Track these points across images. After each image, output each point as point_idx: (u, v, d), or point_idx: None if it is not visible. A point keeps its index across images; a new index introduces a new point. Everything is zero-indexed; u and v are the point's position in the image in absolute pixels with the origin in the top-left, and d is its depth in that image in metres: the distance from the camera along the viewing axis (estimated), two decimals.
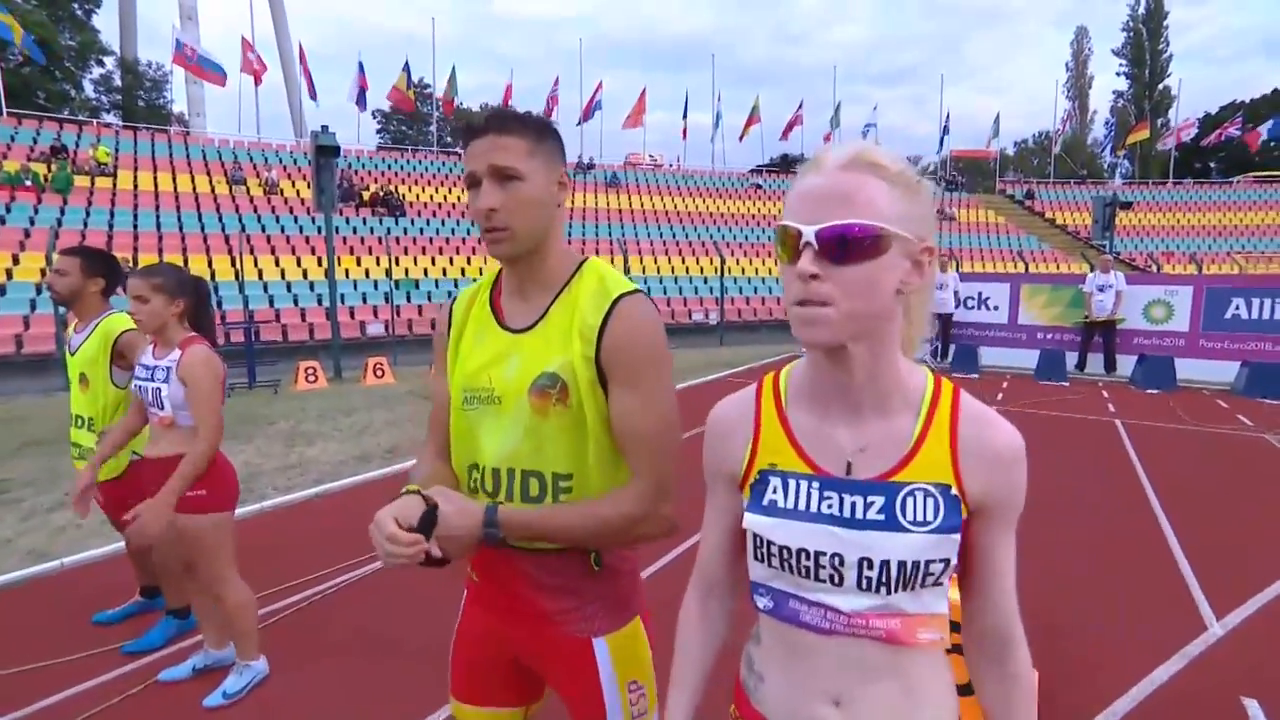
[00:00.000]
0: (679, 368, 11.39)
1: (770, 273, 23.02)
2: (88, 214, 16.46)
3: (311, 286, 15.82)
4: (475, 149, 1.10)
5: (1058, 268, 26.34)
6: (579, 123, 32.23)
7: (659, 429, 1.12)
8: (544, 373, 1.12)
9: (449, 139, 39.83)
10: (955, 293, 12.17)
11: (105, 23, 36.78)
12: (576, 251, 1.27)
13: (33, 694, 2.57)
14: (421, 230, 20.38)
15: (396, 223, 20.31)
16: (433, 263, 18.51)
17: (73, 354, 2.84)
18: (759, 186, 32.29)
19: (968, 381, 10.74)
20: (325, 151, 10.27)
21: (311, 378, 10.25)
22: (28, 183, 16.87)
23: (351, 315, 14.70)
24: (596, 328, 1.11)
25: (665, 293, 20.15)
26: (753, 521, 0.83)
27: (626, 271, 18.16)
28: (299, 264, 16.75)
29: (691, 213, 27.82)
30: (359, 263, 17.34)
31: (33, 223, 15.48)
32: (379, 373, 10.83)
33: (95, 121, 26.12)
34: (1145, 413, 8.04)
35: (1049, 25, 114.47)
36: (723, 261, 18.14)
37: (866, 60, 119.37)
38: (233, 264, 15.94)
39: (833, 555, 0.79)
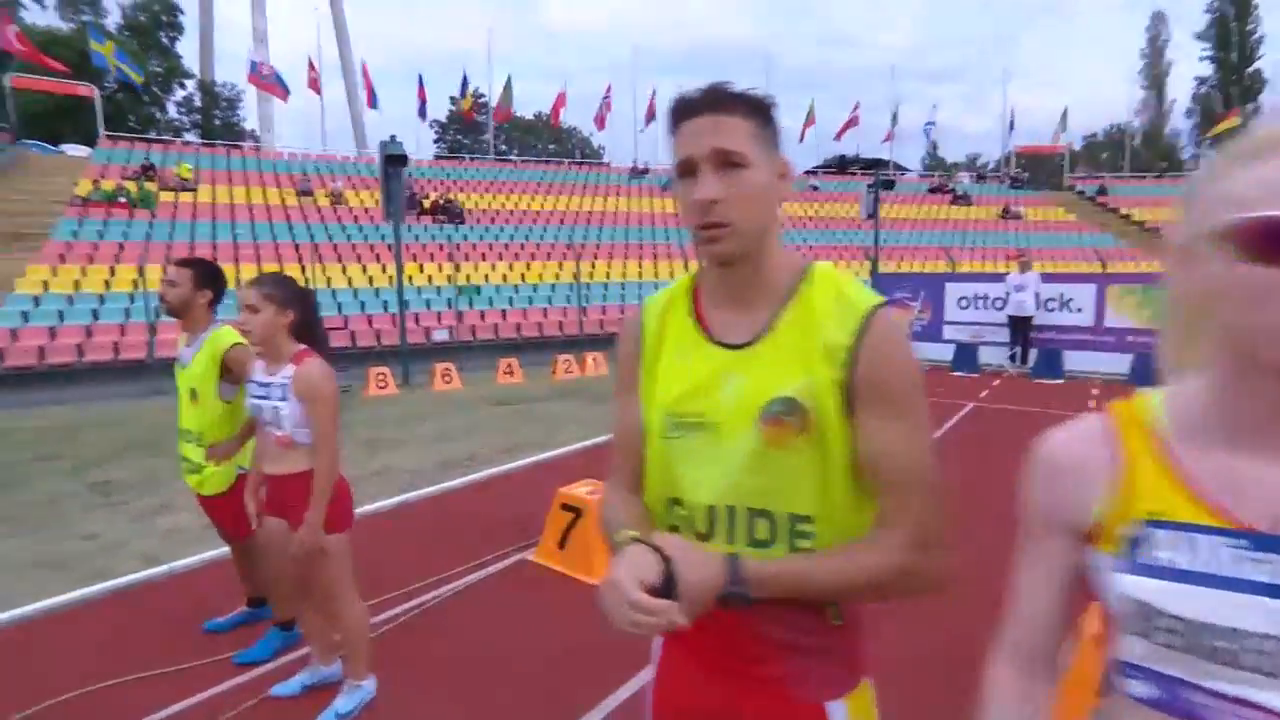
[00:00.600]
0: None
1: None
2: (173, 227, 17.27)
3: (377, 293, 16.20)
4: (692, 130, 0.95)
5: (1137, 266, 24.94)
6: (642, 129, 32.32)
7: (924, 465, 0.96)
8: (778, 397, 0.96)
9: (503, 147, 40.49)
10: (1036, 294, 11.62)
11: (186, 48, 39.02)
12: (795, 253, 1.12)
13: (153, 702, 2.59)
14: (481, 237, 20.67)
15: (456, 229, 20.68)
16: (493, 268, 18.74)
17: (183, 368, 2.86)
18: (816, 189, 31.74)
19: (1053, 387, 10.22)
20: (394, 161, 10.47)
21: (382, 384, 10.45)
22: (122, 200, 17.85)
23: (416, 321, 14.97)
24: (848, 347, 0.95)
25: None
26: (1136, 586, 0.67)
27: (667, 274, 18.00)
28: (364, 271, 17.19)
29: None
30: (422, 269, 17.68)
31: (126, 237, 16.35)
32: (447, 378, 10.97)
33: (178, 140, 27.51)
34: None
35: (1116, 12, 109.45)
36: None
37: (921, 57, 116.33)
38: (302, 272, 16.48)
39: (1264, 636, 0.62)
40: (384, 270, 17.24)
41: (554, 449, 6.48)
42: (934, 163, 47.30)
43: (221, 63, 42.97)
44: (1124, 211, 31.49)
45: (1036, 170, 40.05)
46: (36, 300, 13.32)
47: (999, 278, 12.80)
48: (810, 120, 34.66)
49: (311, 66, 26.95)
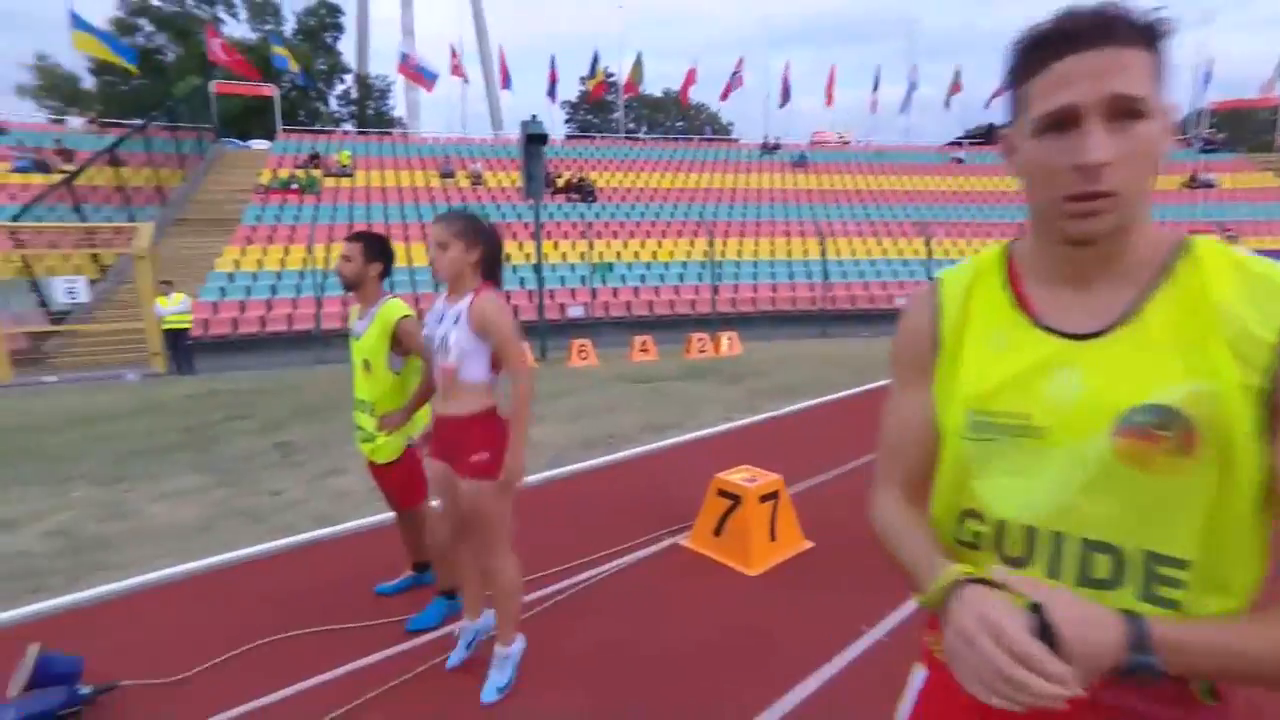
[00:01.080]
0: (882, 359, 10.49)
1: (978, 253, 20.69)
2: (334, 210, 18.82)
3: (514, 270, 16.79)
4: (1081, 68, 0.72)
5: None
6: (780, 105, 31.30)
7: None
8: (1147, 404, 0.73)
9: (631, 125, 40.66)
10: None
11: (345, 45, 42.48)
12: (1162, 226, 0.84)
13: (331, 658, 2.71)
14: (613, 215, 20.87)
15: (589, 208, 21.01)
16: (625, 246, 18.89)
17: (356, 339, 2.92)
18: (960, 161, 29.29)
19: None
20: (534, 140, 10.67)
21: (584, 355, 10.85)
22: (293, 186, 19.75)
23: (552, 297, 15.39)
24: (1274, 345, 0.70)
25: (863, 276, 18.89)
26: None
27: (822, 255, 17.25)
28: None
29: (886, 191, 25.86)
30: (556, 247, 18.13)
31: (296, 220, 18.05)
32: (583, 355, 11.17)
33: (339, 130, 29.97)
34: None
35: None
36: (927, 242, 16.49)
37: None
38: None
39: None
40: (521, 248, 17.85)
41: (695, 430, 6.34)
42: None
43: (374, 57, 46.23)
44: None
45: (1235, 129, 34.62)
46: (230, 277, 15.00)
47: None
48: (956, 87, 31.92)
49: (454, 54, 28.26)
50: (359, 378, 2.94)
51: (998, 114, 34.04)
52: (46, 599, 3.28)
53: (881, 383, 8.50)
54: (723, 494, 3.69)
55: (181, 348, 11.58)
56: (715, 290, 15.06)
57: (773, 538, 3.70)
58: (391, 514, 3.23)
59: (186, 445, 6.24)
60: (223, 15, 37.54)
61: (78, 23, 21.99)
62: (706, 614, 3.07)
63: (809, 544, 3.82)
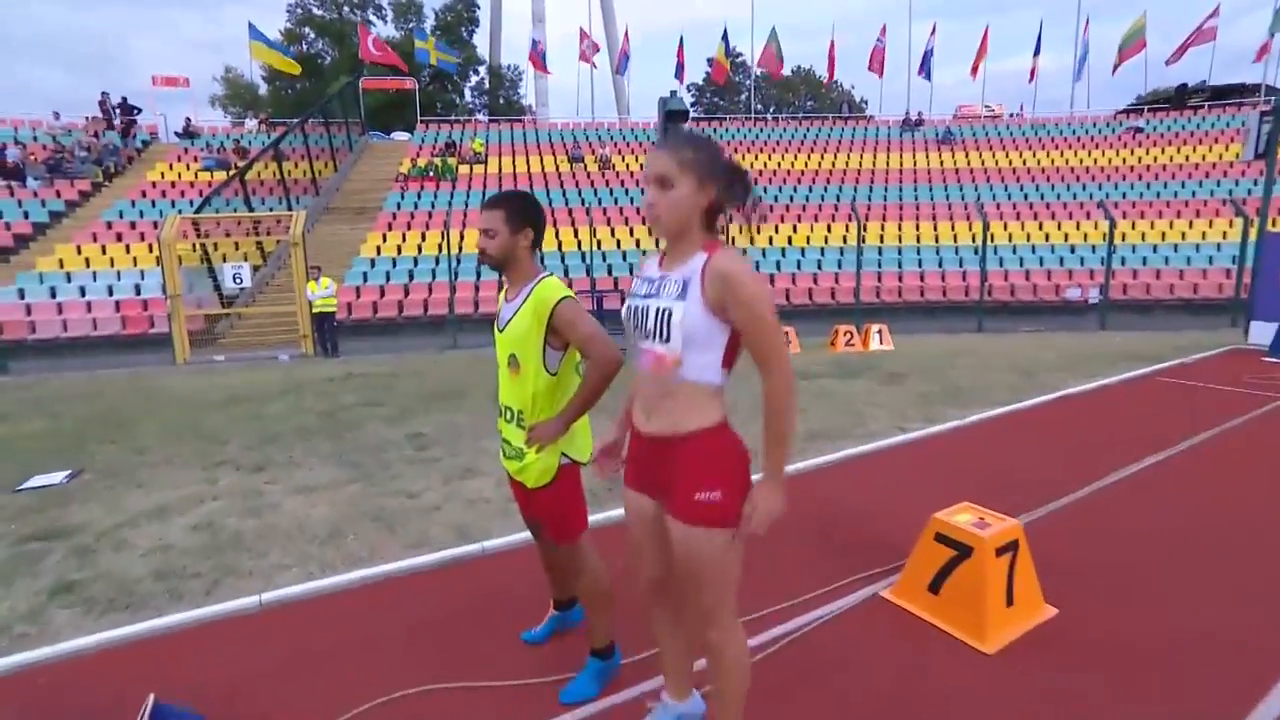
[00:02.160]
0: (1051, 359, 8.96)
1: (1164, 238, 17.86)
2: (468, 195, 19.20)
3: (644, 254, 16.34)
4: None
5: None
6: (919, 72, 28.89)
7: None
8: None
9: (759, 107, 39.13)
10: None
11: (479, 38, 43.96)
12: None
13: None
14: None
15: None
16: (758, 230, 17.92)
17: (501, 330, 2.32)
18: (1139, 130, 25.51)
19: None
20: (674, 117, 10.03)
21: None
22: (430, 174, 20.40)
23: None
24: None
25: (1022, 264, 16.81)
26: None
27: (980, 240, 15.44)
28: (632, 234, 17.46)
29: (1049, 168, 23.00)
30: None
31: (433, 206, 18.57)
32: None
33: (473, 119, 30.91)
34: None
35: None
36: (1112, 224, 14.22)
37: None
38: (575, 235, 17.23)
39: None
40: (650, 233, 17.38)
41: (865, 440, 5.46)
42: None
43: (505, 48, 47.48)
44: None
45: None
46: (372, 263, 15.59)
47: None
48: (1140, 42, 27.80)
49: (583, 37, 28.23)
50: (504, 379, 2.34)
51: (1182, 73, 29.30)
52: (185, 609, 3.04)
53: (1065, 390, 7.15)
54: (943, 540, 2.87)
55: (327, 330, 12.05)
56: (858, 278, 13.80)
57: (1009, 602, 2.84)
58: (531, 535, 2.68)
59: (324, 430, 6.17)
60: (372, 18, 39.99)
61: (254, 34, 24.21)
62: (937, 704, 2.29)
63: (1051, 610, 2.92)
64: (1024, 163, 23.61)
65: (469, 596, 3.10)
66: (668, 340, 1.60)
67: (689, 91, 45.51)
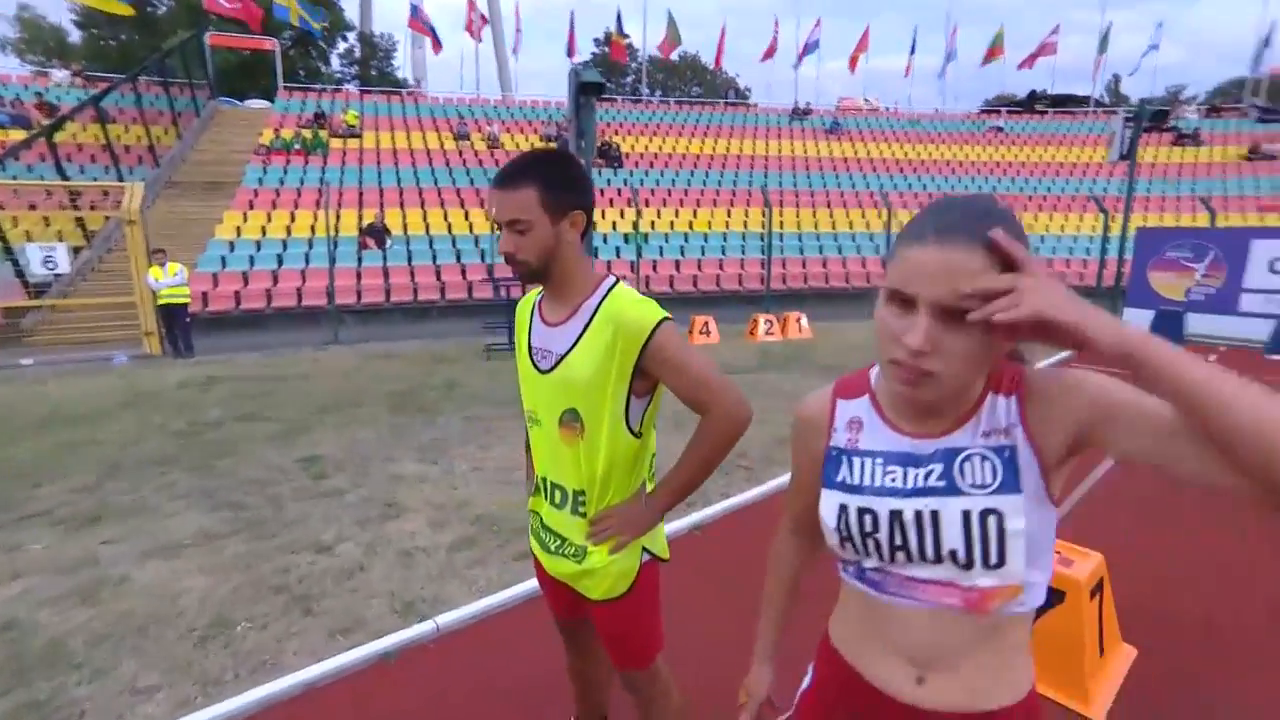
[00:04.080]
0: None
1: (1030, 229, 19.24)
2: (343, 172, 17.25)
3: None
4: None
5: None
6: (797, 64, 29.51)
7: None
8: None
9: (645, 90, 38.69)
10: None
11: (348, 1, 40.22)
12: None
13: None
14: (641, 181, 19.35)
15: (615, 173, 19.47)
16: (658, 215, 17.42)
17: (547, 371, 1.48)
18: (1000, 129, 27.67)
19: None
20: (588, 89, 9.16)
21: None
22: (297, 147, 18.15)
23: None
24: None
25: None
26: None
27: (868, 227, 15.81)
28: None
29: (927, 161, 24.30)
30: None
31: (302, 182, 16.49)
32: None
33: (344, 89, 28.09)
34: None
35: None
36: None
37: None
38: (466, 218, 15.94)
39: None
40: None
41: None
42: (1115, 98, 39.95)
43: (377, 15, 43.95)
44: None
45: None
46: (231, 246, 13.51)
47: None
48: (999, 49, 30.07)
49: (472, 5, 26.50)
50: (546, 442, 1.52)
51: (1033, 79, 32.30)
52: None
53: None
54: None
55: (179, 326, 10.18)
56: (768, 265, 13.64)
57: (1101, 651, 2.43)
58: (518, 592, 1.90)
59: (186, 458, 4.90)
60: None
61: None
62: None
63: (1131, 649, 2.57)
64: (906, 155, 24.77)
65: (429, 700, 2.27)
66: (1000, 564, 0.87)
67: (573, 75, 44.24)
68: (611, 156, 20.11)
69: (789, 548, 1.20)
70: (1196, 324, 10.44)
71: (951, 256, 0.76)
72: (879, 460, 0.94)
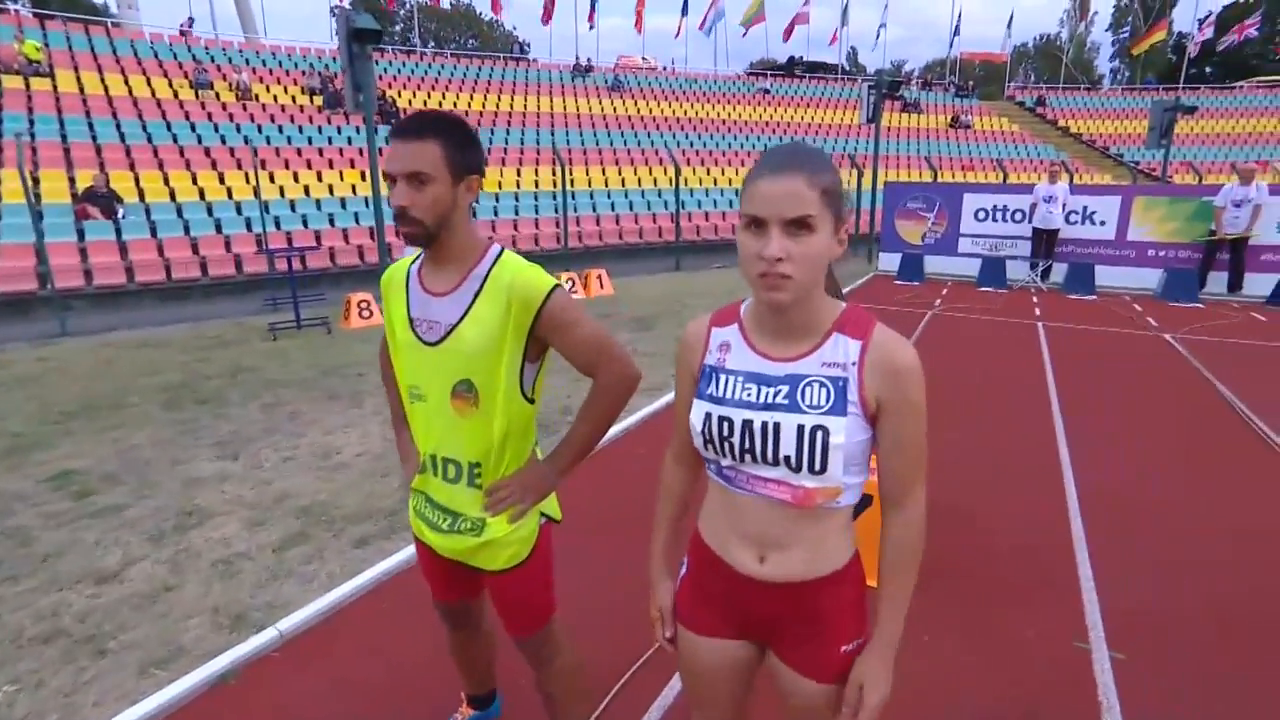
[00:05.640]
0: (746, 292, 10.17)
1: None
2: (33, 121, 13.88)
3: (318, 205, 13.89)
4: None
5: (1081, 178, 25.41)
6: (590, 26, 29.32)
7: None
8: None
9: (417, 39, 35.99)
10: (1063, 205, 11.10)
11: None
12: None
13: None
14: None
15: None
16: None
17: (436, 342, 1.41)
18: (767, 92, 30.16)
19: (1084, 304, 9.82)
20: (363, 36, 8.30)
21: (366, 312, 8.71)
22: None
23: (372, 237, 12.92)
24: None
25: (706, 207, 18.57)
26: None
27: (655, 184, 16.49)
28: (296, 179, 14.62)
29: (705, 120, 25.76)
30: (364, 176, 15.24)
31: None
32: None
33: (11, 9, 22.11)
34: None
35: None
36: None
37: None
38: (221, 181, 13.80)
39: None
40: (321, 178, 14.80)
41: (662, 398, 5.28)
42: (855, 68, 45.97)
43: None
44: (1061, 123, 31.91)
45: (986, 79, 39.75)
46: None
47: (1018, 189, 12.21)
48: (761, 16, 32.56)
49: None
50: (436, 416, 1.45)
51: (797, 46, 35.65)
52: None
53: None
54: None
55: None
56: (565, 223, 13.66)
57: None
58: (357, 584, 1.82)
59: None
60: None
61: None
62: None
63: None
64: (685, 113, 25.98)
65: (284, 713, 2.07)
66: (823, 470, 1.07)
67: (332, 15, 39.70)
68: (387, 113, 18.54)
69: (674, 477, 1.34)
70: (931, 264, 12.48)
71: (788, 184, 0.98)
72: (740, 378, 1.13)
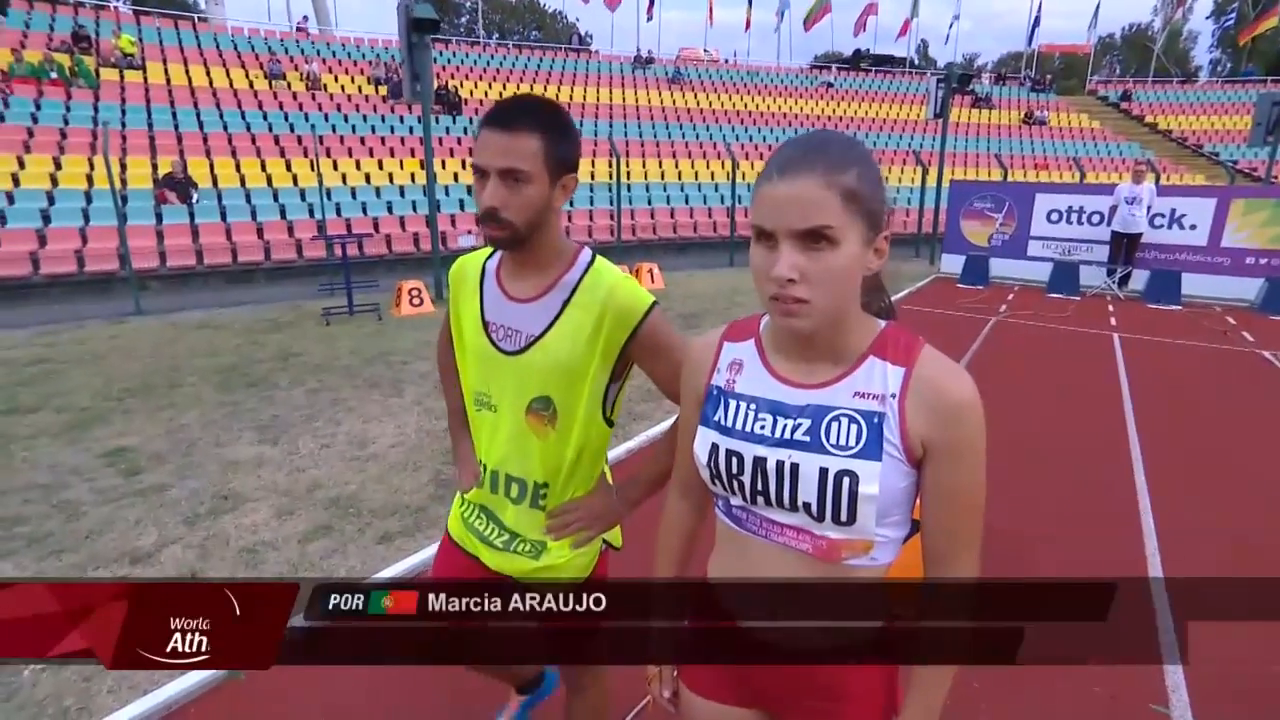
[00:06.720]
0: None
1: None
2: (125, 111, 14.66)
3: (378, 193, 14.21)
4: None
5: (1168, 178, 23.79)
6: (649, 18, 29.20)
7: None
8: None
9: (482, 30, 36.51)
10: (1148, 208, 10.34)
11: None
12: None
13: None
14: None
15: (455, 121, 18.29)
16: None
17: (516, 351, 1.28)
18: (830, 85, 29.35)
19: (1168, 314, 9.12)
20: (421, 26, 8.39)
21: (416, 300, 8.83)
22: (53, 76, 15.01)
23: (427, 225, 13.13)
24: None
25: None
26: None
27: (712, 178, 16.25)
28: (358, 167, 14.99)
29: (765, 114, 25.25)
30: (422, 165, 15.49)
31: (68, 122, 13.75)
32: None
33: (111, 8, 23.53)
34: None
35: None
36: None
37: None
38: (288, 169, 14.27)
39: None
40: (381, 167, 15.13)
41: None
42: (925, 62, 44.24)
43: None
44: (1149, 119, 29.96)
45: (1068, 73, 37.76)
46: None
47: (1096, 189, 11.46)
48: (826, 7, 31.68)
49: None
50: (505, 432, 1.33)
51: (867, 39, 34.58)
52: None
53: None
54: None
55: None
56: (618, 215, 13.59)
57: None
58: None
59: None
60: None
61: None
62: None
63: None
64: (745, 107, 25.53)
65: (302, 710, 2.03)
66: (850, 521, 0.89)
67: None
68: (451, 103, 18.84)
69: (677, 512, 1.17)
70: (997, 267, 11.86)
71: (797, 187, 0.80)
72: (752, 406, 0.95)
